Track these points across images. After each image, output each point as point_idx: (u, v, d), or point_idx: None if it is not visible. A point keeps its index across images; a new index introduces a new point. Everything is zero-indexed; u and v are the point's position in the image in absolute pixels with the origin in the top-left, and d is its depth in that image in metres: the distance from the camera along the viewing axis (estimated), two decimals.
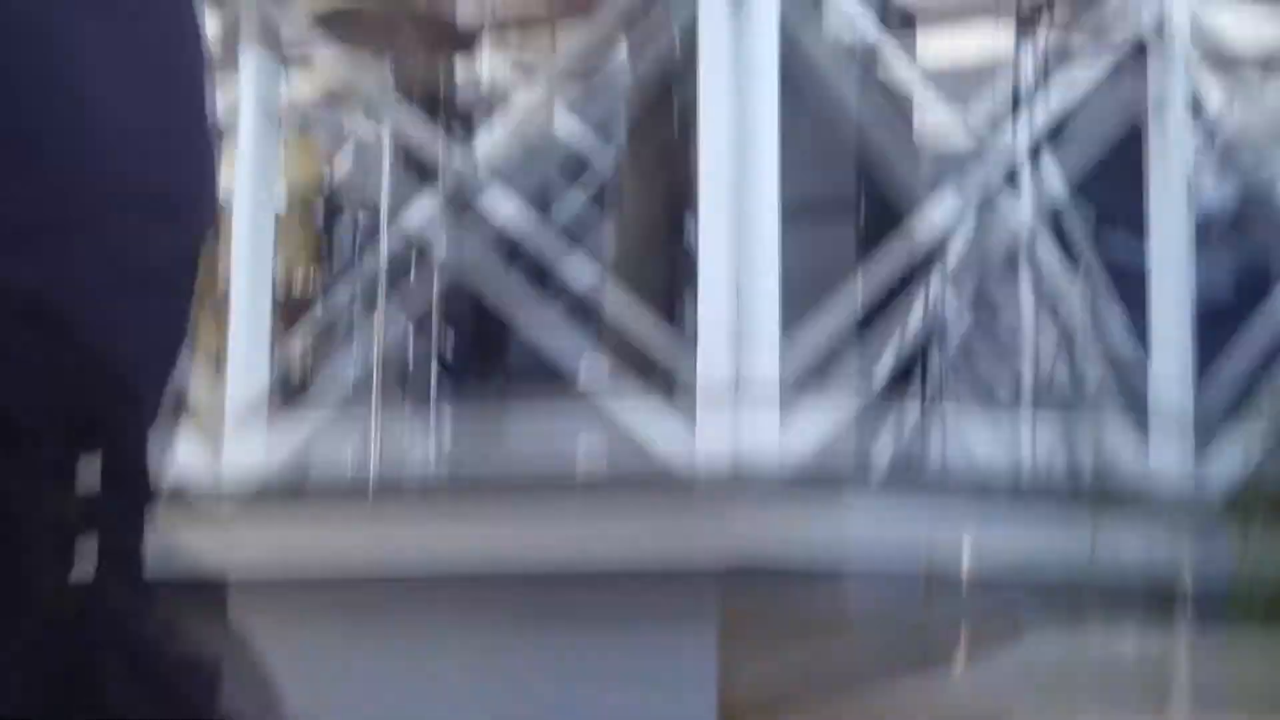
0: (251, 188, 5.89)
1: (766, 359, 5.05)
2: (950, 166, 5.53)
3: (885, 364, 5.65)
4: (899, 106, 5.70)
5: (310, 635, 5.28)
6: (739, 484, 4.89)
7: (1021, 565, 4.45)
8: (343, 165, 6.89)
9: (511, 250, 5.67)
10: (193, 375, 5.71)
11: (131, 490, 1.37)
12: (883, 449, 5.10)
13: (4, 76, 1.28)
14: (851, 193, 6.26)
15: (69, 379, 1.29)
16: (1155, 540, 4.63)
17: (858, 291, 5.34)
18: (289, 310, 6.12)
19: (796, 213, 5.60)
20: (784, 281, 5.16)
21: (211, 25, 6.11)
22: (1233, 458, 5.10)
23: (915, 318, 5.81)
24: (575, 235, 5.91)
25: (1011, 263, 5.82)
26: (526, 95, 5.94)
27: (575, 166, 6.82)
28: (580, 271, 5.55)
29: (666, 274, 5.94)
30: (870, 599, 4.73)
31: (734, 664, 4.62)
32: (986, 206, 5.58)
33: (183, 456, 4.41)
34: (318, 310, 5.83)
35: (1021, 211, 5.77)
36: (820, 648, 4.38)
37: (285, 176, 6.40)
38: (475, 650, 5.28)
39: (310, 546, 5.41)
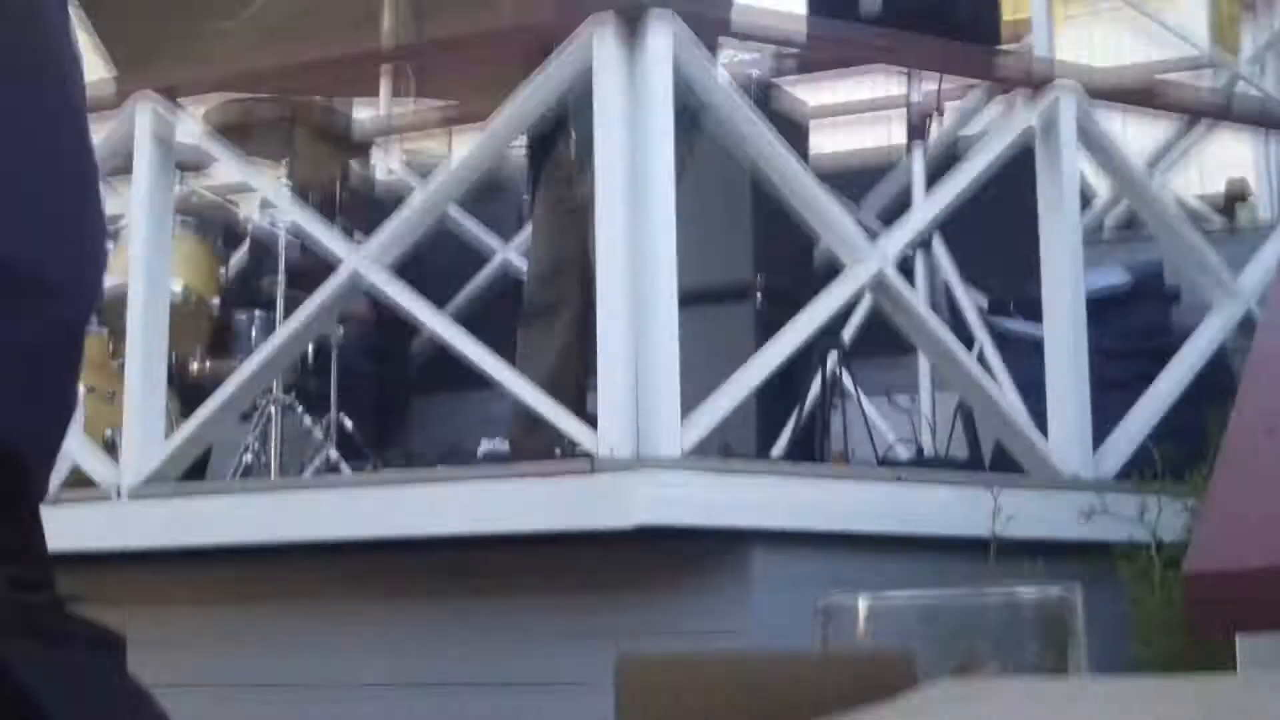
0: (145, 282, 5.87)
1: (666, 437, 5.05)
2: (844, 254, 5.56)
3: (782, 438, 5.71)
4: (796, 193, 5.74)
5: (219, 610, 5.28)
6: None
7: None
8: (238, 262, 6.91)
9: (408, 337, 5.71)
10: (87, 454, 5.71)
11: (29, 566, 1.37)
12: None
13: None
14: (749, 277, 6.34)
15: None
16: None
17: (756, 369, 5.36)
18: (186, 396, 6.10)
19: (695, 297, 5.65)
20: (683, 362, 5.17)
21: (104, 127, 6.16)
22: (1126, 515, 5.16)
23: (813, 394, 5.88)
24: (475, 325, 5.90)
25: (906, 345, 5.90)
26: (422, 195, 5.94)
27: (473, 261, 6.90)
28: (481, 360, 5.52)
29: (569, 363, 5.98)
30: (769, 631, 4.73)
31: None
32: (880, 291, 5.63)
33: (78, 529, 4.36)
34: (214, 398, 5.75)
35: (916, 295, 5.87)
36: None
37: (180, 271, 6.40)
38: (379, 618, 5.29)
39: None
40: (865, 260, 5.52)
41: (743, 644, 4.78)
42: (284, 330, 5.85)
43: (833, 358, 5.80)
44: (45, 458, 1.35)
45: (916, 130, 6.88)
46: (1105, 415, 5.57)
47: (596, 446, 5.09)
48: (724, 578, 5.01)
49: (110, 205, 6.82)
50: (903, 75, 6.86)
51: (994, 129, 7.12)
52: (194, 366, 6.44)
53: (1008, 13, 7.46)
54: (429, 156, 8.25)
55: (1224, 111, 7.38)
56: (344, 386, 6.19)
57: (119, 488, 5.62)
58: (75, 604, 1.39)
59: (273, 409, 6.09)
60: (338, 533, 5.27)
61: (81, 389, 6.26)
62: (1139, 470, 5.31)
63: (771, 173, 5.56)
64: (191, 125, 6.15)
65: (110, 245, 6.58)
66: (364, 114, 8.28)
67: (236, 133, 6.48)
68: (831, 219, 5.59)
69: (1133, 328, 6.14)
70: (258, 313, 6.43)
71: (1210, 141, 7.80)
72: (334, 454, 5.97)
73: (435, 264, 6.32)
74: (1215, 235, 6.68)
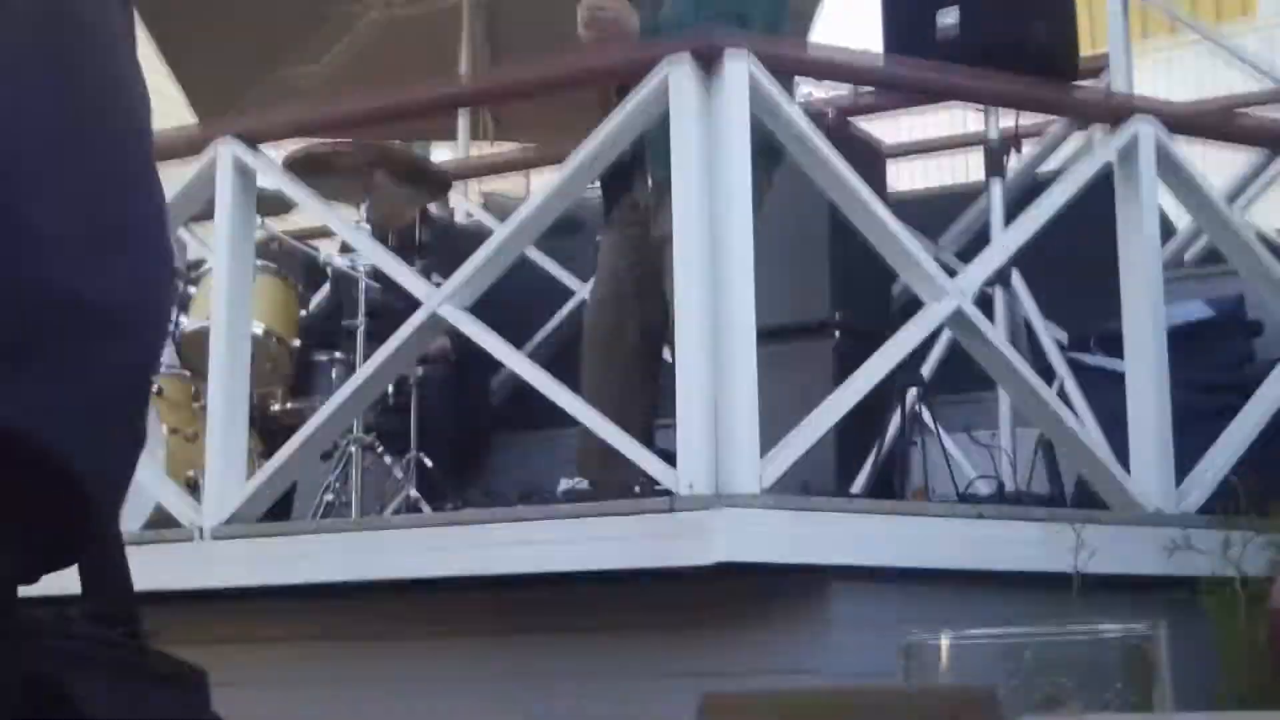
0: (227, 323, 5.92)
1: (745, 473, 5.05)
2: (922, 290, 5.55)
3: (862, 475, 5.70)
4: (872, 235, 5.74)
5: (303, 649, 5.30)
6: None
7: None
8: (319, 302, 6.95)
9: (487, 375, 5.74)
10: (169, 494, 5.76)
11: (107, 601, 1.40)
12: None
13: None
14: (827, 313, 6.33)
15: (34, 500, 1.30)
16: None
17: (835, 406, 5.34)
18: (268, 436, 6.14)
19: (773, 333, 5.65)
20: (761, 398, 5.16)
21: (186, 171, 6.23)
22: (1210, 549, 5.12)
23: (892, 430, 5.87)
24: (553, 363, 5.92)
25: (986, 381, 5.88)
26: (500, 235, 5.96)
27: (552, 297, 6.93)
28: (559, 397, 5.54)
29: (633, 393, 5.98)
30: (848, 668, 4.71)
31: None
32: (959, 326, 5.61)
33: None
34: (295, 438, 5.79)
35: (995, 330, 5.85)
36: None
37: (261, 313, 6.44)
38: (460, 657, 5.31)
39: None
40: (944, 296, 5.50)
41: (823, 683, 4.76)
42: (364, 371, 5.88)
43: (912, 394, 5.78)
44: (116, 494, 1.36)
45: (994, 165, 6.87)
46: (1188, 449, 5.52)
47: (676, 483, 5.08)
48: (804, 616, 4.99)
49: (192, 249, 6.90)
50: (979, 110, 6.84)
51: (1072, 163, 7.11)
52: (275, 407, 6.49)
53: (1086, 47, 7.44)
54: (507, 197, 8.30)
55: None
56: (424, 426, 6.22)
57: (201, 528, 5.66)
58: (156, 641, 1.41)
59: (353, 449, 6.12)
60: (418, 571, 5.28)
61: (164, 430, 6.32)
62: (1222, 504, 5.26)
63: (849, 209, 5.55)
64: (272, 169, 6.20)
65: (193, 289, 6.64)
66: (442, 155, 8.34)
67: (316, 175, 6.53)
68: (909, 255, 5.57)
69: (1215, 361, 6.09)
70: (338, 354, 6.47)
71: None
72: (414, 493, 5.99)
73: (514, 302, 6.34)
74: None
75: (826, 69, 6.63)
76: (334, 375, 6.35)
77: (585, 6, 6.03)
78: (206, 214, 6.21)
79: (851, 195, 5.52)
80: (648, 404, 6.04)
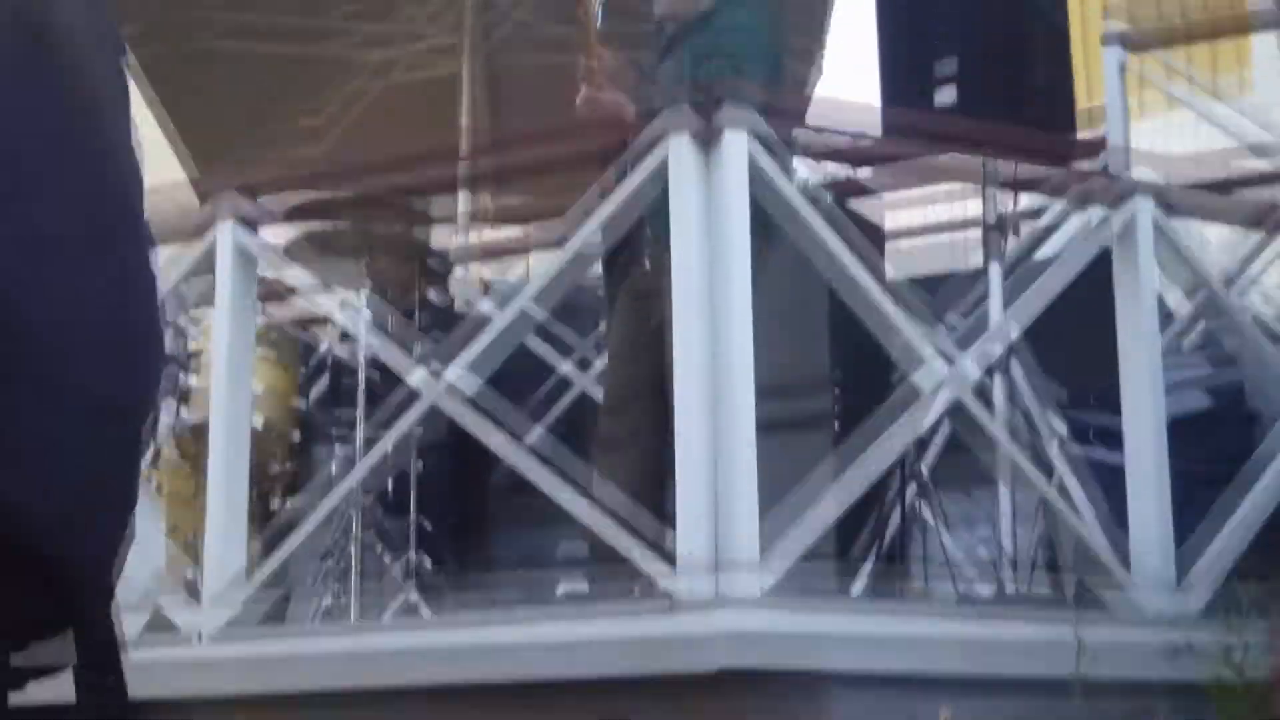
0: (226, 420, 5.91)
1: (745, 575, 5.04)
2: (921, 378, 5.55)
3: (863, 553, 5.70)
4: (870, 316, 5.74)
5: None
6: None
7: None
8: (318, 391, 6.97)
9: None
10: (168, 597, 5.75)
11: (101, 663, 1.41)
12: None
13: None
14: (826, 398, 6.32)
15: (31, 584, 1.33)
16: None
17: (833, 503, 5.34)
18: (264, 517, 6.13)
19: (772, 419, 5.64)
20: (760, 483, 5.16)
21: (187, 250, 6.23)
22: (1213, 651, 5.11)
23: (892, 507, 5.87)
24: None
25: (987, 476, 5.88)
26: (501, 320, 5.98)
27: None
28: (558, 495, 5.53)
29: (648, 465, 5.94)
30: None
31: None
32: (958, 412, 5.62)
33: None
34: (293, 537, 5.79)
35: (995, 411, 5.84)
36: None
37: (260, 405, 6.44)
38: None
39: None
40: (944, 385, 5.50)
41: None
42: (362, 466, 5.88)
43: (911, 489, 5.78)
44: (108, 568, 1.40)
45: (992, 249, 6.86)
46: (1188, 538, 5.51)
47: (675, 584, 5.07)
48: (802, 716, 4.98)
49: (193, 336, 6.90)
50: (977, 196, 6.83)
51: (1071, 245, 7.11)
52: (274, 503, 6.48)
53: (1081, 99, 7.44)
54: (506, 283, 8.29)
55: None
56: (424, 521, 6.20)
57: (200, 633, 5.65)
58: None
59: (352, 548, 6.12)
60: (418, 679, 5.27)
61: (164, 527, 6.32)
62: (1224, 604, 5.25)
63: (847, 291, 5.55)
64: (273, 254, 6.20)
65: (193, 379, 6.64)
66: (443, 241, 8.34)
67: (317, 260, 6.53)
68: (906, 338, 5.57)
69: (1214, 451, 6.07)
70: (337, 447, 6.46)
71: None
72: (414, 597, 5.97)
73: (517, 383, 6.34)
74: None
75: (826, 148, 6.64)
76: (333, 469, 6.35)
77: (584, 100, 6.05)
78: (207, 300, 6.22)
79: (849, 278, 5.51)
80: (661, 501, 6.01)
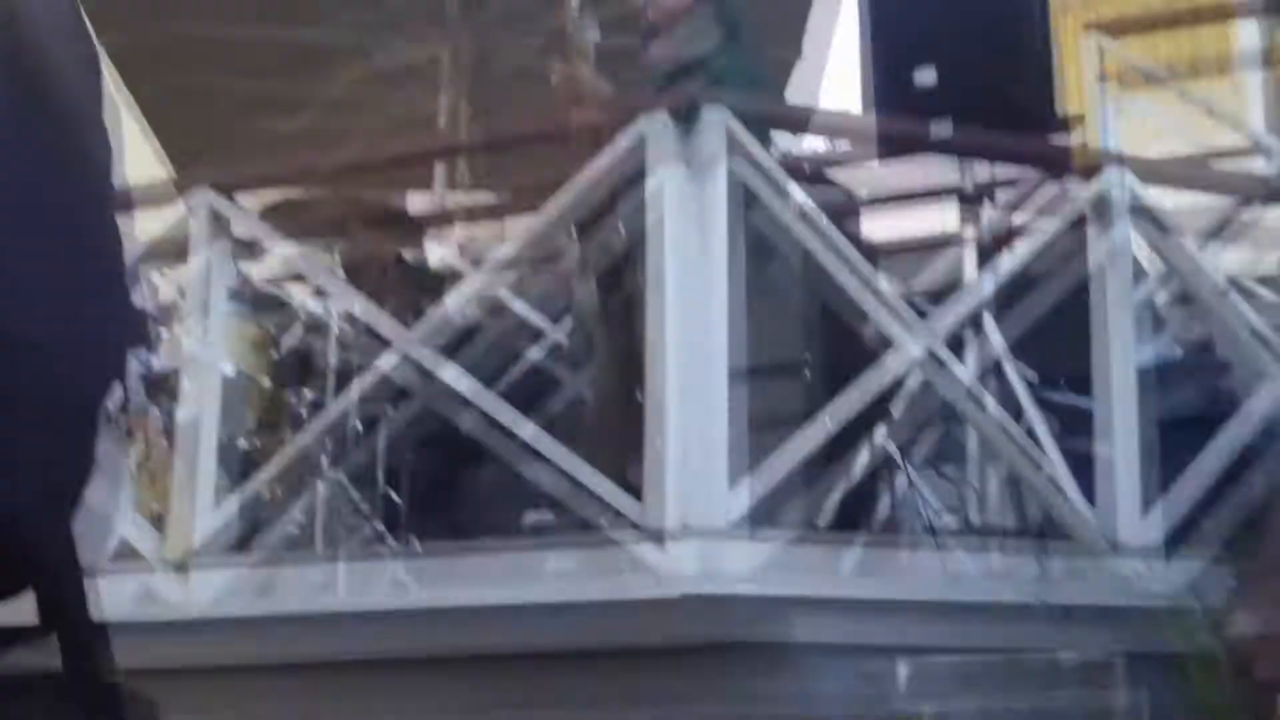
0: (198, 363, 5.94)
1: (713, 508, 5.06)
2: (894, 332, 5.58)
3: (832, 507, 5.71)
4: (846, 275, 5.77)
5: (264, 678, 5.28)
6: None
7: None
8: (290, 343, 6.97)
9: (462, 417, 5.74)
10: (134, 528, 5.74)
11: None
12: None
13: None
14: (798, 353, 6.33)
15: None
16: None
17: (802, 442, 5.36)
18: (234, 473, 6.12)
19: (745, 374, 5.65)
20: (732, 437, 5.19)
21: (162, 217, 6.27)
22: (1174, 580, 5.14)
23: (863, 466, 5.88)
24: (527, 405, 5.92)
25: (958, 417, 5.90)
26: (475, 278, 6.02)
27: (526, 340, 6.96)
28: (527, 434, 5.55)
29: (621, 435, 5.96)
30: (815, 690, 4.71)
31: None
32: (932, 369, 5.64)
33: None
34: (262, 473, 5.80)
35: (966, 370, 5.86)
36: None
37: (233, 352, 6.45)
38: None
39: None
40: (916, 338, 5.54)
41: (787, 709, 4.75)
42: (333, 409, 5.90)
43: (881, 430, 5.79)
44: (61, 521, 1.40)
45: (969, 213, 6.89)
46: (1155, 485, 5.53)
47: (643, 517, 5.09)
48: (769, 644, 4.98)
49: (165, 290, 6.91)
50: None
51: (1047, 212, 7.13)
52: (243, 444, 6.47)
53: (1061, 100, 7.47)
54: (482, 244, 8.30)
55: (1274, 193, 7.36)
56: (392, 462, 6.20)
57: (165, 560, 5.65)
58: (114, 673, 1.43)
59: (320, 485, 6.11)
60: (384, 604, 5.28)
61: (132, 465, 6.30)
62: (1186, 537, 5.27)
63: (822, 254, 5.59)
64: (247, 216, 6.24)
65: (165, 332, 6.64)
66: (418, 201, 8.36)
67: (291, 221, 6.56)
68: (881, 299, 5.61)
69: (1183, 400, 6.09)
70: (308, 392, 6.46)
71: (1265, 219, 7.77)
72: (379, 527, 5.97)
73: (486, 344, 6.36)
74: (1268, 308, 6.63)
75: (804, 125, 6.71)
76: (304, 414, 6.35)
77: (561, 77, 6.13)
78: (182, 256, 6.25)
79: (824, 240, 5.56)
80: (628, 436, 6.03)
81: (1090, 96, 8.22)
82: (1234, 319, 6.09)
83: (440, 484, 6.11)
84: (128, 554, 5.75)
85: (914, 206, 7.69)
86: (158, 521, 5.94)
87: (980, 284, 6.08)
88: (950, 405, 5.68)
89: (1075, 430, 5.81)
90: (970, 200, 6.91)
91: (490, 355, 6.32)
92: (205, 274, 6.12)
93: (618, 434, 5.85)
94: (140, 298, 6.62)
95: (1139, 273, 6.51)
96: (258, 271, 7.06)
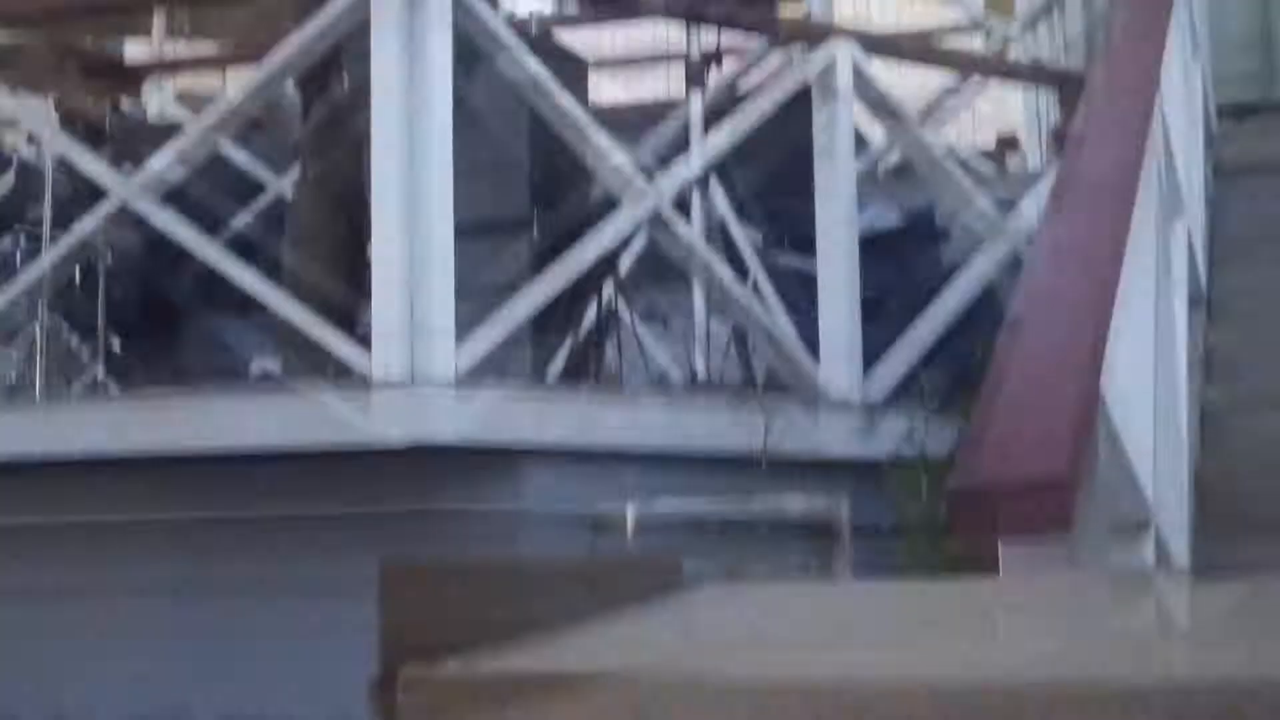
0: None
1: (441, 355, 5.05)
2: (622, 191, 5.60)
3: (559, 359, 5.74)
4: (572, 135, 5.77)
5: None
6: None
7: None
8: (3, 189, 6.78)
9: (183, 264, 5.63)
10: None
11: None
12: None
13: None
14: (526, 212, 6.33)
15: None
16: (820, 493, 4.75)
17: (532, 296, 5.37)
18: None
19: (472, 230, 5.63)
20: (460, 290, 5.17)
21: None
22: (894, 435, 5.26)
23: (589, 320, 5.91)
24: (249, 251, 5.83)
25: (683, 276, 5.96)
26: (195, 125, 5.89)
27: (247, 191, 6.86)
28: (252, 285, 5.46)
29: (344, 286, 5.91)
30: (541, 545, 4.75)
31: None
32: (657, 226, 5.69)
33: None
34: None
35: (692, 230, 5.92)
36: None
37: None
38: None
39: None
40: (643, 198, 5.58)
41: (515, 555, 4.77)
42: (48, 256, 5.75)
43: (609, 286, 5.81)
44: None
45: (695, 78, 6.92)
46: (877, 346, 5.65)
47: (371, 369, 5.06)
48: (496, 493, 4.99)
49: None
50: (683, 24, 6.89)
51: (771, 79, 7.20)
52: None
53: None
54: (203, 92, 8.13)
55: (992, 69, 7.53)
56: (113, 310, 6.07)
57: None
58: None
59: (37, 331, 5.96)
60: (107, 448, 5.17)
61: None
62: (909, 394, 5.40)
63: (550, 111, 5.58)
64: None
65: None
66: (137, 50, 8.15)
67: (4, 66, 6.36)
68: (609, 158, 5.63)
69: (904, 265, 6.23)
70: (23, 239, 6.29)
71: (984, 96, 7.96)
72: (101, 373, 5.85)
73: (210, 196, 6.23)
74: (986, 180, 6.80)
75: None
76: (19, 261, 6.17)
77: None
78: None
79: (551, 99, 5.55)
80: (351, 295, 5.98)
81: None
82: (952, 189, 6.22)
83: (163, 332, 5.99)
84: None
85: (642, 71, 7.70)
86: None
87: (705, 147, 6.13)
88: (678, 264, 5.71)
89: (799, 290, 5.90)
90: (696, 66, 6.95)
91: (212, 204, 6.20)
92: None
93: (338, 286, 5.81)
94: None
95: (861, 142, 6.62)
96: None
